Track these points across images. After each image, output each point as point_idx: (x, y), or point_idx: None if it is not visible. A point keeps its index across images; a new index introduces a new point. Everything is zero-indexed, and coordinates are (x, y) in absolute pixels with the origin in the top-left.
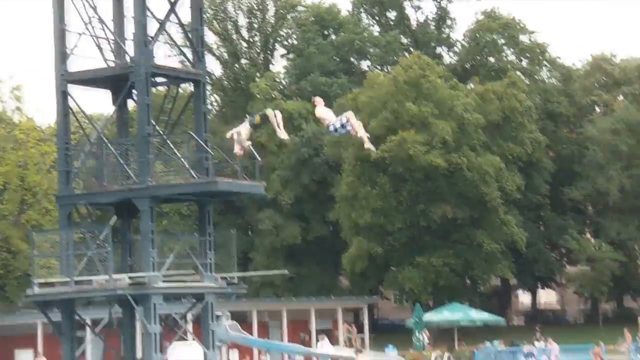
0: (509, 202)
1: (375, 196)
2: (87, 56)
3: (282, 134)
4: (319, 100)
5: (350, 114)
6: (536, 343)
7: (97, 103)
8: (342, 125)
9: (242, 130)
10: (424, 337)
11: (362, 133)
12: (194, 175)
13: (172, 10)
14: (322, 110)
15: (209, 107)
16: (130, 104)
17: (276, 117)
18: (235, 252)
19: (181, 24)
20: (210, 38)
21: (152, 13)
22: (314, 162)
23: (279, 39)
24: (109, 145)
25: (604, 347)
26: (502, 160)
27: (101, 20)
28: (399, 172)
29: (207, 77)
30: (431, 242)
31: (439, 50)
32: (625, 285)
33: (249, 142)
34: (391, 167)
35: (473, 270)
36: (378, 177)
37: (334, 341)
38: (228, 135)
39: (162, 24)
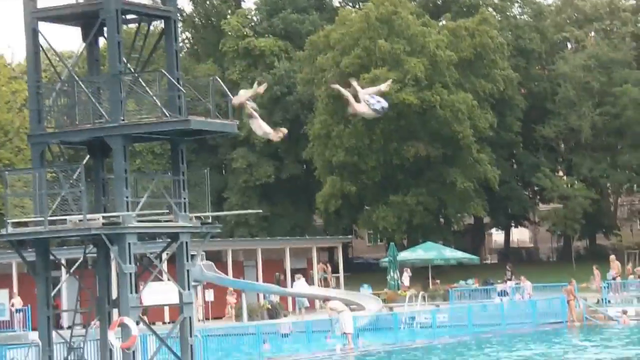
0: (481, 140)
1: (349, 135)
2: None
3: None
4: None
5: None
6: (507, 282)
7: (68, 40)
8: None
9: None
10: (405, 275)
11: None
12: (167, 114)
13: None
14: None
15: (181, 44)
16: (101, 42)
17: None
18: (209, 192)
19: None
20: None
21: None
22: (286, 101)
23: None
24: (80, 83)
25: (576, 284)
26: (474, 97)
27: None
28: None
29: (178, 14)
30: (405, 181)
31: None
32: (597, 222)
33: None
34: None
35: (447, 209)
36: (351, 116)
37: (309, 280)
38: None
39: None
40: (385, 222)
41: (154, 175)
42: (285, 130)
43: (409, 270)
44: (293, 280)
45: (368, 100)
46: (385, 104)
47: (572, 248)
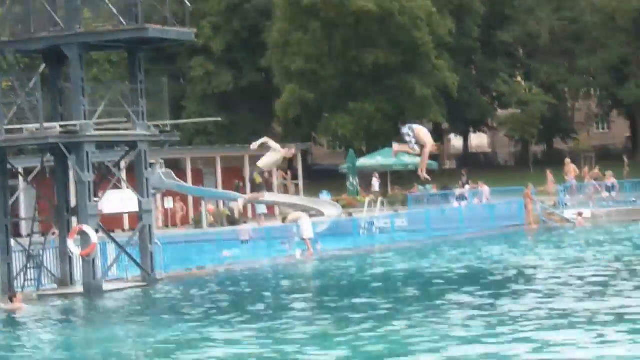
0: (440, 47)
1: (307, 42)
2: None
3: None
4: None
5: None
6: (463, 187)
7: None
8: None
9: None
10: (374, 180)
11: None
12: (123, 22)
13: None
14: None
15: None
16: None
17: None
18: (167, 100)
19: None
20: None
21: None
22: (244, 8)
23: None
24: None
25: (533, 188)
26: (433, 4)
27: None
28: (330, 18)
29: None
30: (364, 88)
31: None
32: (554, 127)
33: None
34: (323, 12)
35: (405, 116)
36: (310, 23)
37: (268, 188)
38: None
39: None
40: (344, 129)
41: (111, 84)
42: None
43: (377, 175)
44: (253, 188)
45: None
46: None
47: (529, 152)
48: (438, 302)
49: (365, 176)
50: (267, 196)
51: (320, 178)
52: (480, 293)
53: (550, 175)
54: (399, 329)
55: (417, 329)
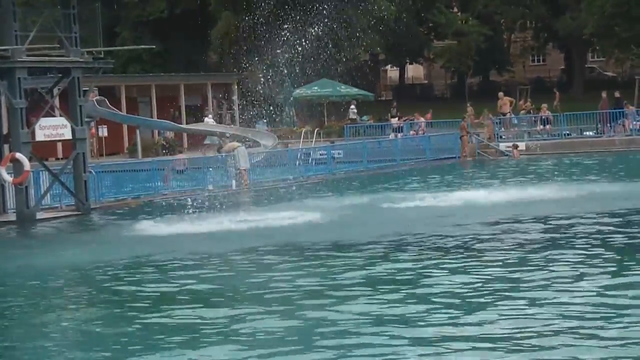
0: None
1: None
2: None
3: None
4: None
5: None
6: (392, 119)
7: None
8: None
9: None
10: (352, 107)
11: None
12: None
13: None
14: None
15: None
16: None
17: None
18: (100, 26)
19: None
20: None
21: None
22: None
23: None
24: None
25: (468, 120)
26: None
27: None
28: None
29: None
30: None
31: None
32: (490, 59)
33: None
34: None
35: (343, 46)
36: None
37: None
38: None
39: None
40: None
41: (44, 8)
42: None
43: (354, 103)
44: (188, 116)
45: None
46: None
47: (465, 84)
48: None
49: (301, 106)
50: (202, 125)
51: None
52: None
53: (469, 109)
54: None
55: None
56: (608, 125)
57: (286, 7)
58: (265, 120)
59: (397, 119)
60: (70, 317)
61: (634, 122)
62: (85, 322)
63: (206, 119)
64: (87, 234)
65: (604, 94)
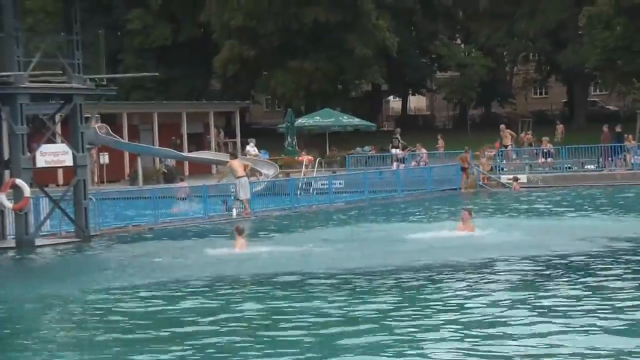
0: (380, 7)
1: None
2: None
3: None
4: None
5: None
6: (393, 149)
7: None
8: None
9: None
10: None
11: None
12: None
13: None
14: None
15: None
16: None
17: None
18: (103, 53)
19: None
20: None
21: None
22: None
23: None
24: None
25: (470, 152)
26: None
27: None
28: None
29: None
30: (303, 46)
31: None
32: (493, 91)
33: None
34: None
35: (345, 76)
36: None
37: (205, 146)
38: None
39: None
40: (283, 87)
41: (47, 34)
42: None
43: (398, 130)
44: (189, 144)
45: None
46: None
47: (467, 116)
48: None
49: (303, 136)
50: (205, 154)
51: (258, 137)
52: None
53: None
54: None
55: None
56: (609, 159)
57: (290, 36)
58: (266, 150)
59: (399, 149)
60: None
61: (635, 157)
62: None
63: (248, 147)
64: (85, 261)
65: (605, 128)
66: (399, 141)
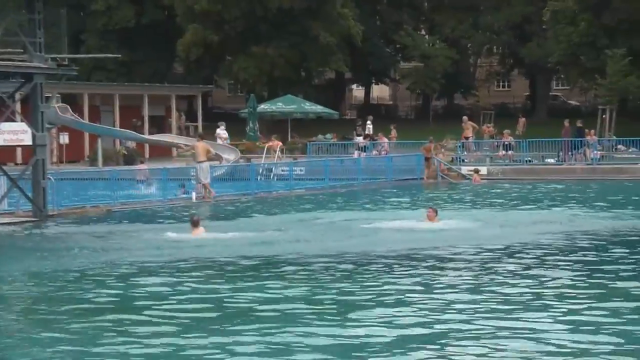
0: None
1: None
2: None
3: None
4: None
5: None
6: (357, 137)
7: None
8: None
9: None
10: (368, 123)
11: None
12: None
13: None
14: None
15: None
16: None
17: None
18: (65, 33)
19: None
20: None
21: None
22: None
23: None
24: None
25: (434, 143)
26: None
27: None
28: None
29: None
30: (267, 32)
31: None
32: (456, 82)
33: None
34: None
35: (308, 63)
36: None
37: (166, 129)
38: None
39: None
40: (246, 73)
41: (8, 12)
42: None
43: (371, 118)
44: (150, 127)
45: None
46: None
47: (430, 107)
48: None
49: (265, 122)
50: (167, 137)
51: (220, 121)
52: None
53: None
54: None
55: None
56: (569, 153)
57: (254, 21)
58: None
59: (362, 137)
60: None
61: (595, 152)
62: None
63: (218, 130)
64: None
65: (566, 123)
66: (369, 130)
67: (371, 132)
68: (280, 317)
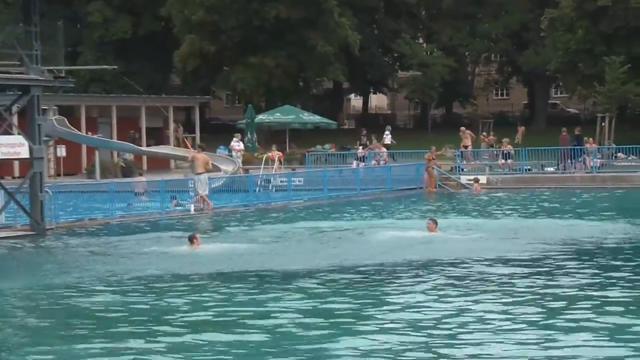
0: (343, 4)
1: None
2: None
3: None
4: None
5: None
6: (361, 147)
7: None
8: None
9: None
10: (386, 133)
11: None
12: None
13: None
14: None
15: None
16: None
17: None
18: (62, 45)
19: None
20: None
21: None
22: None
23: None
24: None
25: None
26: None
27: None
28: None
29: None
30: (265, 43)
31: None
32: (454, 91)
33: None
34: None
35: (306, 73)
36: None
37: (165, 140)
38: None
39: None
40: (243, 83)
41: (5, 25)
42: None
43: (389, 128)
44: (148, 138)
45: None
46: None
47: (428, 116)
48: None
49: (263, 133)
50: (164, 149)
51: (218, 132)
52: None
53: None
54: None
55: None
56: (569, 161)
57: (252, 32)
58: (225, 146)
59: (362, 148)
60: None
61: (594, 160)
62: None
63: (233, 142)
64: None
65: (563, 131)
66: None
67: (390, 142)
68: (278, 329)
